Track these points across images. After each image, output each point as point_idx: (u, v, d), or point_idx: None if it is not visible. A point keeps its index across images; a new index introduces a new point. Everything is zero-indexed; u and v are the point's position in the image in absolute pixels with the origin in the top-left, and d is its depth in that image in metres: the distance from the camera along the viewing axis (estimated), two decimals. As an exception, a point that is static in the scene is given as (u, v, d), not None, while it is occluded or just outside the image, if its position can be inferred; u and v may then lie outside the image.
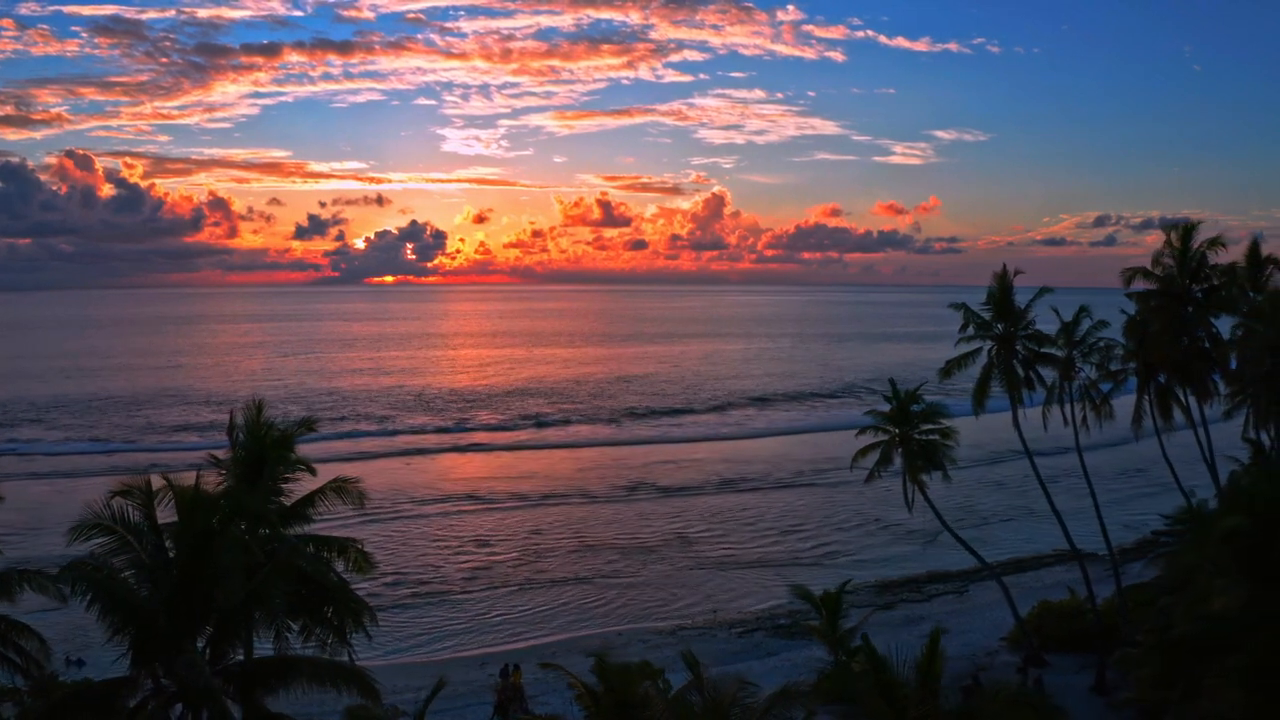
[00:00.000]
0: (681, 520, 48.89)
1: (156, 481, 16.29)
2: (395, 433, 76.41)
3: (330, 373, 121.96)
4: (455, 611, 36.66)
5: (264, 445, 19.73)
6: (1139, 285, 29.52)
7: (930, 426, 28.08)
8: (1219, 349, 27.81)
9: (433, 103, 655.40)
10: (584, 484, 57.66)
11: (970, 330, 28.23)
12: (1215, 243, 29.48)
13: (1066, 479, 45.55)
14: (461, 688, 28.68)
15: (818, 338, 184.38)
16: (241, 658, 16.84)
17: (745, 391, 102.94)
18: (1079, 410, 29.03)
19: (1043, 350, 27.92)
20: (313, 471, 20.75)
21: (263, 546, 18.42)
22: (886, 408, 28.47)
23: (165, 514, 16.08)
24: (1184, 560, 17.48)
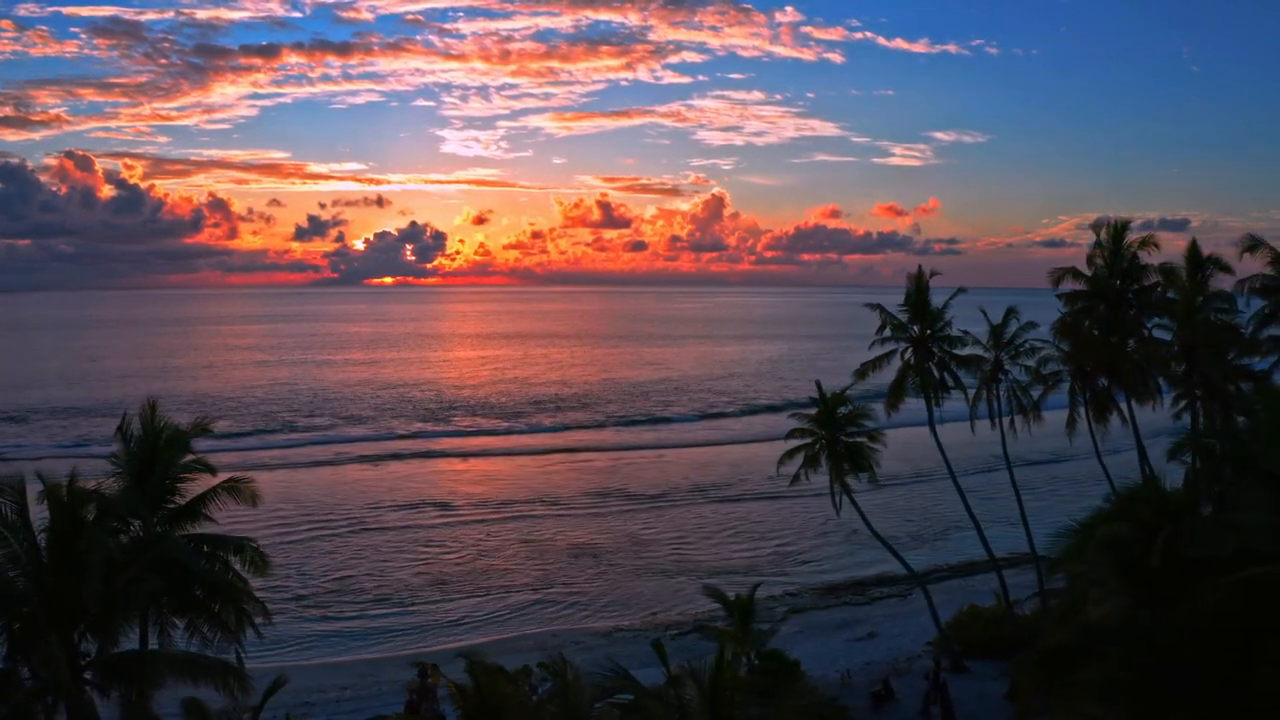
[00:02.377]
0: (641, 524, 49.14)
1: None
2: (360, 439, 76.67)
3: (319, 374, 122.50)
4: (402, 612, 37.00)
5: (156, 445, 20.04)
6: (1069, 285, 29.52)
7: (857, 429, 28.18)
8: (1146, 349, 27.76)
9: (432, 104, 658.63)
10: (550, 488, 57.92)
11: (888, 331, 28.29)
12: (1147, 242, 29.53)
13: (1046, 485, 45.50)
14: (386, 686, 29.01)
15: (812, 339, 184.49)
16: (135, 650, 17.19)
17: (732, 395, 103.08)
18: (1007, 413, 29.07)
19: (958, 352, 27.97)
20: (212, 471, 21.11)
21: (146, 544, 18.75)
22: (814, 410, 28.60)
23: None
24: (1062, 567, 17.51)
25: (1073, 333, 29.43)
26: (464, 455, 69.33)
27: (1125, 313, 28.59)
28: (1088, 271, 29.83)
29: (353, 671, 30.76)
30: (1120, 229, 29.26)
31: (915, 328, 28.01)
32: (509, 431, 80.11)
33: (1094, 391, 30.28)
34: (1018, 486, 31.01)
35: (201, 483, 20.63)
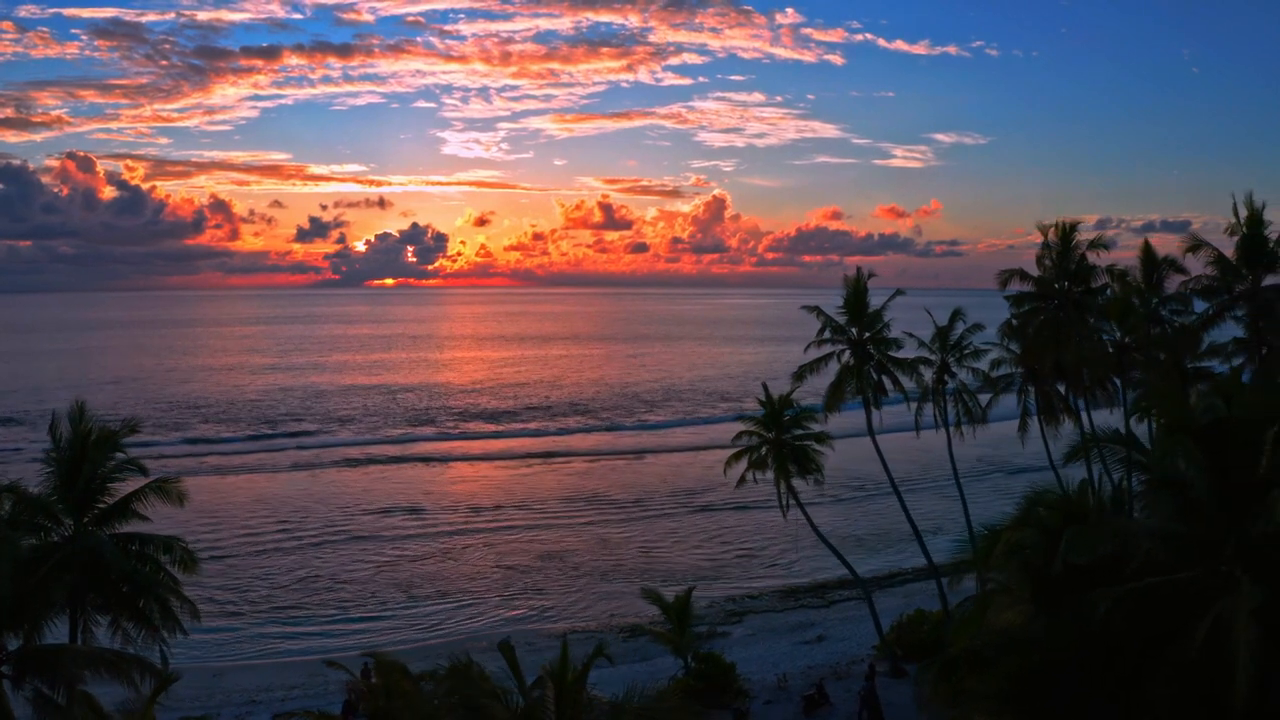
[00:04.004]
0: (613, 528, 49.49)
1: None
2: (340, 443, 77.04)
3: (313, 376, 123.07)
4: (365, 615, 37.45)
5: (85, 446, 20.47)
6: (1015, 287, 29.72)
7: (803, 431, 28.45)
8: (1084, 351, 27.98)
9: (432, 105, 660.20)
10: (526, 492, 58.33)
11: (827, 334, 28.55)
12: (1097, 244, 29.73)
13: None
14: (335, 685, 29.37)
15: (808, 341, 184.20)
16: (50, 645, 17.59)
17: (720, 397, 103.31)
18: (952, 415, 29.31)
19: (894, 354, 28.21)
20: (144, 471, 21.57)
21: (68, 542, 19.22)
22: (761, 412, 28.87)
23: None
24: (963, 574, 17.72)
25: (1022, 335, 29.66)
26: (445, 459, 69.72)
27: (1072, 314, 28.78)
28: (1037, 273, 30.04)
29: (305, 670, 31.18)
30: (1069, 230, 29.48)
31: (853, 330, 28.27)
32: (493, 435, 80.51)
33: (1044, 394, 30.51)
34: (963, 491, 31.23)
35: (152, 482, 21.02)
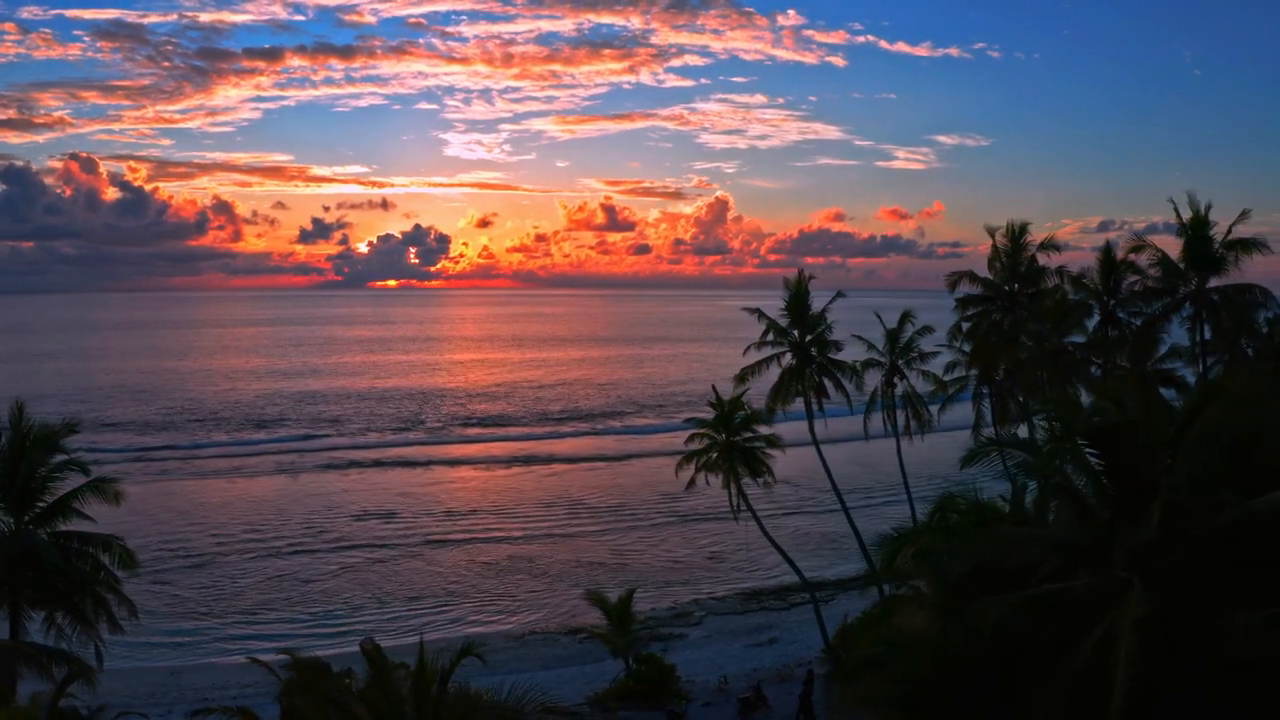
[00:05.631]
0: (588, 532, 49.89)
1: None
2: (323, 448, 77.36)
3: (307, 378, 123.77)
4: (331, 616, 37.89)
5: (24, 446, 20.96)
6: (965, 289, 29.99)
7: (753, 434, 28.78)
8: (1028, 352, 28.21)
9: (434, 107, 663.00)
10: (505, 496, 58.83)
11: (770, 336, 28.86)
12: (1047, 245, 29.96)
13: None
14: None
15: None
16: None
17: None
18: (903, 420, 29.60)
19: (833, 356, 28.51)
20: (85, 471, 22.09)
21: (8, 542, 19.74)
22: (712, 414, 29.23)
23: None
24: (872, 579, 17.96)
25: (975, 336, 29.94)
26: (427, 464, 70.16)
27: (1021, 315, 29.05)
28: (988, 274, 30.29)
29: (263, 670, 31.57)
30: (1018, 232, 29.72)
31: (795, 332, 28.59)
32: (478, 440, 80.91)
33: (999, 397, 30.78)
34: (911, 495, 31.47)
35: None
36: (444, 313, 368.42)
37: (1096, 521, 14.92)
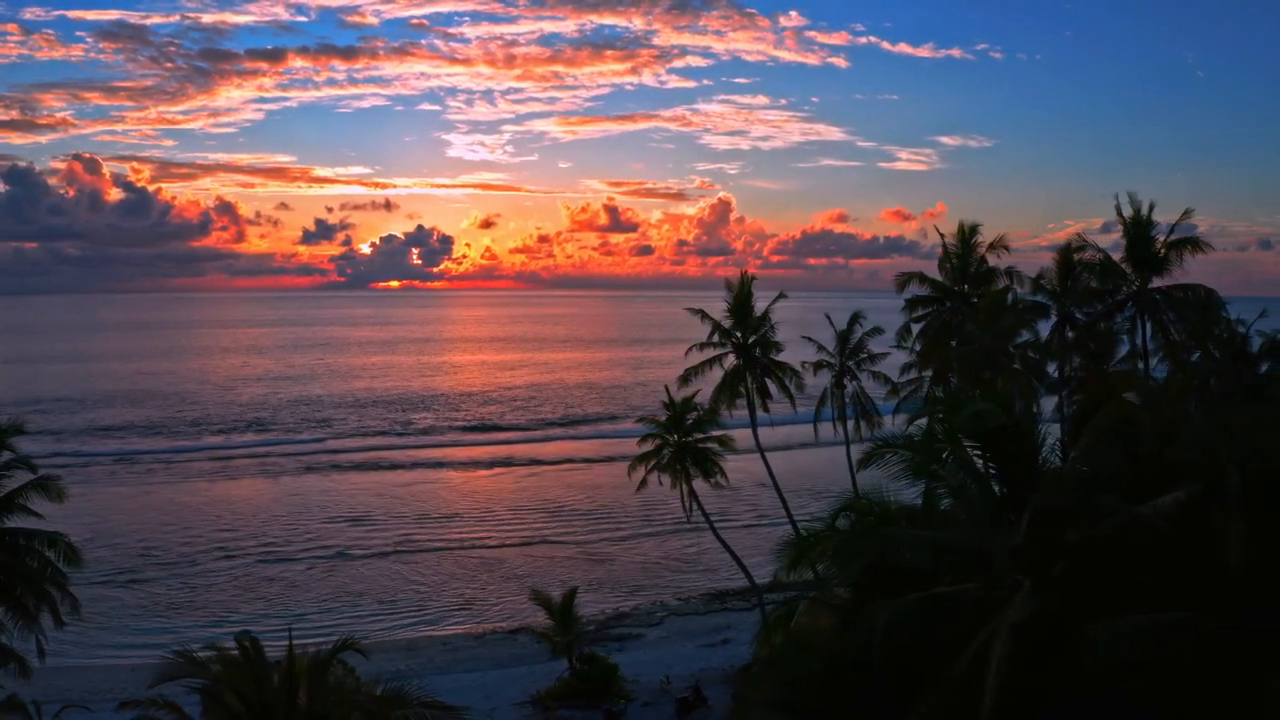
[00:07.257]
0: (565, 533, 50.32)
1: None
2: (310, 451, 78.09)
3: (304, 380, 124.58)
4: (295, 616, 38.42)
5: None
6: (914, 289, 30.30)
7: (703, 435, 29.20)
8: (965, 351, 28.49)
9: (437, 108, 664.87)
10: (486, 499, 59.34)
11: (715, 338, 29.27)
12: (996, 245, 30.25)
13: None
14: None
15: (805, 344, 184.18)
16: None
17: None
18: (853, 423, 29.94)
19: (776, 358, 28.91)
20: (32, 469, 22.74)
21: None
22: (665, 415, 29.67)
23: None
24: (780, 581, 18.13)
25: (925, 337, 30.28)
26: (411, 466, 70.62)
27: (967, 315, 29.37)
28: (939, 275, 30.62)
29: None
30: (968, 232, 30.04)
31: (738, 334, 29.01)
32: (467, 444, 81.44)
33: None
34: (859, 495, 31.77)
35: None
36: (446, 314, 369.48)
37: (981, 525, 15.21)
